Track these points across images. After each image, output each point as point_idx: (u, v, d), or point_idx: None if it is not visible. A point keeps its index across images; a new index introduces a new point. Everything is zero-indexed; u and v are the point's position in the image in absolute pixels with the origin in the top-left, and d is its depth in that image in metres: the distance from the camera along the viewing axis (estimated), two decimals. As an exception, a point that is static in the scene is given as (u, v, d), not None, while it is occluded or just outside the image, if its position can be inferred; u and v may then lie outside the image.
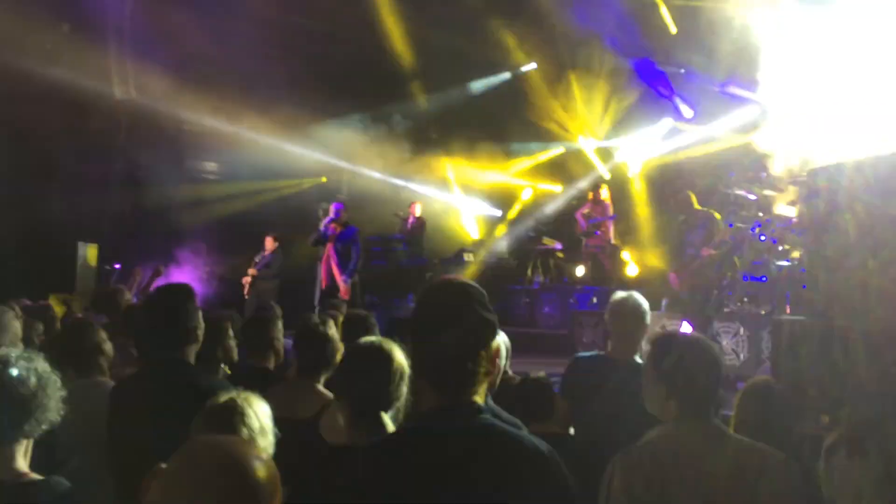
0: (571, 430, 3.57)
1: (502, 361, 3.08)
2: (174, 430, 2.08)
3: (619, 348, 3.66)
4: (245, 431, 2.17)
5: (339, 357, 3.01)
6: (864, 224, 4.50)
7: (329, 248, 9.37)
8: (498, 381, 3.10)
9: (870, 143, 7.14)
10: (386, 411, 2.39)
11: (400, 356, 2.43)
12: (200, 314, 2.90)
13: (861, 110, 7.78)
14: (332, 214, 9.47)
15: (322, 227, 9.49)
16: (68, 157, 10.06)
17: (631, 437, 3.34)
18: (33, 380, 2.03)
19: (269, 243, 10.40)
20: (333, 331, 3.12)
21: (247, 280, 10.31)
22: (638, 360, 3.60)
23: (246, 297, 10.17)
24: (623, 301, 3.70)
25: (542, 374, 3.83)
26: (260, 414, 2.22)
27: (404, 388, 2.42)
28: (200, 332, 2.88)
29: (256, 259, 10.40)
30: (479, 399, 1.72)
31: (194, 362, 2.92)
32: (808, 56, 8.53)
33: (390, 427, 2.35)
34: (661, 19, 10.88)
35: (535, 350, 8.32)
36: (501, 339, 3.06)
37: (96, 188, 10.47)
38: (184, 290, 2.94)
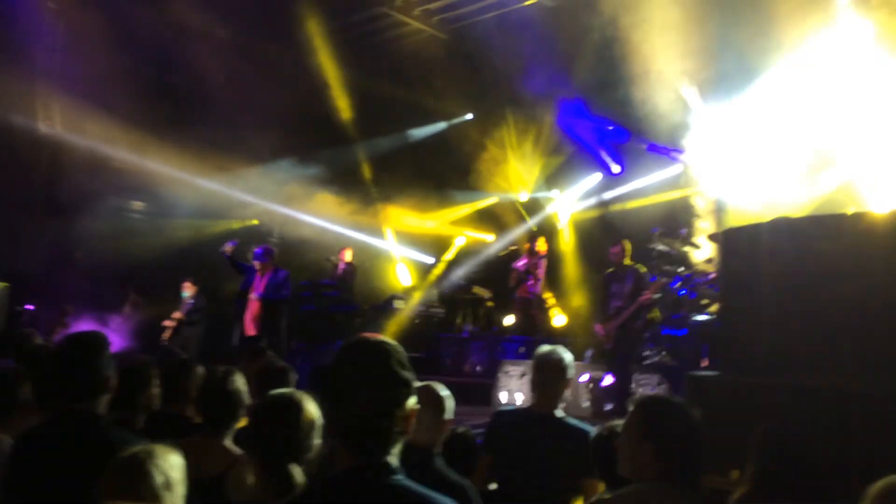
0: (493, 486, 3.53)
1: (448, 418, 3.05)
2: (80, 486, 1.99)
3: (541, 402, 3.67)
4: (150, 487, 2.09)
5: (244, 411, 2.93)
6: (780, 283, 4.67)
7: (253, 297, 8.65)
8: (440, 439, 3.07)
9: (785, 200, 7.52)
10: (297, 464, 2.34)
11: (311, 408, 2.41)
12: (113, 363, 2.79)
13: (776, 171, 8.22)
14: (255, 258, 8.74)
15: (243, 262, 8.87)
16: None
17: (551, 491, 3.34)
18: None
19: (188, 288, 9.83)
20: (239, 384, 3.01)
21: (169, 324, 9.72)
22: (559, 413, 3.60)
23: (165, 342, 9.57)
24: (546, 355, 3.71)
25: (464, 428, 3.81)
26: (167, 467, 2.14)
27: (315, 441, 2.39)
28: (113, 382, 2.77)
29: (180, 305, 9.84)
30: (393, 460, 1.71)
31: (111, 411, 2.80)
32: (731, 121, 9.00)
33: (300, 480, 2.29)
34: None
35: (462, 400, 8.19)
36: (445, 394, 3.06)
37: (10, 223, 10.00)
38: (98, 338, 2.83)
